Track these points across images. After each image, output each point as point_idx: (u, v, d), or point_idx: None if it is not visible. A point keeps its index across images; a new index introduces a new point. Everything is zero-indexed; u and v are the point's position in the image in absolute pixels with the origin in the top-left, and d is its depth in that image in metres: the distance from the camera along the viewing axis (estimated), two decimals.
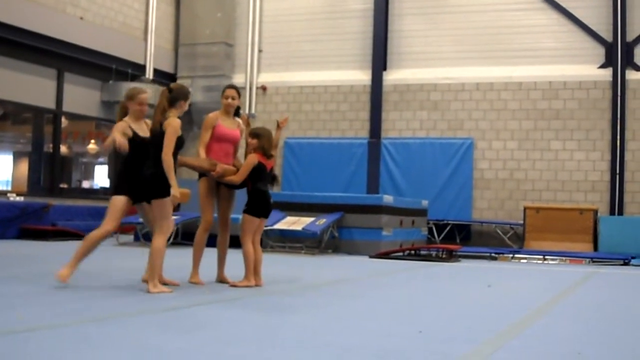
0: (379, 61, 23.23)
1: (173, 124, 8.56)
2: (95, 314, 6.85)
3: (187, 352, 5.26)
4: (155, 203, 8.59)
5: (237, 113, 9.93)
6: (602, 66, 21.52)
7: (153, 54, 23.54)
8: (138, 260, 12.79)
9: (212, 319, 6.83)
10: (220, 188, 9.67)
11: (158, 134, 8.64)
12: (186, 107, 8.93)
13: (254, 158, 9.49)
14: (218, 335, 6.04)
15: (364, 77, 23.51)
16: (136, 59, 23.02)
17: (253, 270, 9.43)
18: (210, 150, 9.63)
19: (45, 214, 18.93)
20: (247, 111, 24.25)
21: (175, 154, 8.57)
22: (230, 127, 9.84)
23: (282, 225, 16.91)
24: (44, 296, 7.90)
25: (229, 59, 24.79)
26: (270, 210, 9.85)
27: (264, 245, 17.23)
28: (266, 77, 24.58)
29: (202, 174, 9.59)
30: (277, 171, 23.73)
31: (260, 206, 9.63)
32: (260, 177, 9.57)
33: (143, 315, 6.90)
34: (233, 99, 9.91)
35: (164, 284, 8.88)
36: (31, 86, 20.12)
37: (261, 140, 9.55)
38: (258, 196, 9.59)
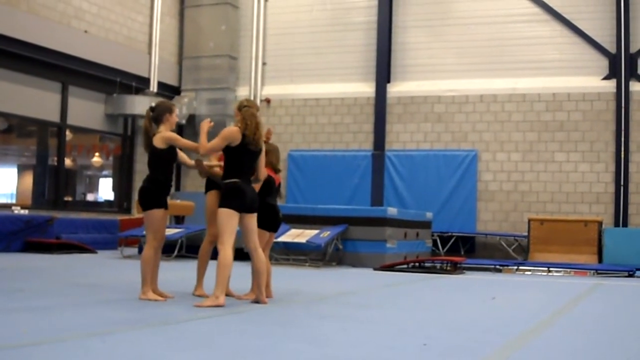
0: (383, 73, 23.26)
1: (164, 135, 8.76)
2: (98, 327, 6.84)
3: None
4: (144, 215, 8.98)
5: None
6: (606, 78, 21.52)
7: (157, 67, 23.56)
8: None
9: (215, 332, 6.83)
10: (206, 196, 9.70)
11: (149, 152, 8.92)
12: (175, 119, 9.02)
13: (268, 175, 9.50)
14: (221, 348, 6.04)
15: (367, 89, 23.53)
16: (140, 72, 23.06)
17: (263, 284, 9.18)
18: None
19: (50, 227, 18.93)
20: None
21: (170, 164, 8.75)
22: None
23: (286, 237, 16.90)
24: (48, 310, 7.90)
25: (233, 71, 24.82)
26: (280, 224, 9.89)
27: (269, 258, 17.27)
28: (270, 90, 24.61)
29: (210, 187, 9.61)
30: (282, 183, 23.95)
31: (270, 220, 9.66)
32: (269, 192, 9.60)
33: (146, 329, 6.90)
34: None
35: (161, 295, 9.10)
36: (36, 99, 20.16)
37: (269, 155, 9.54)
38: (268, 210, 9.59)
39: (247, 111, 8.92)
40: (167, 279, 10.27)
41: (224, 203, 8.72)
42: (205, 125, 8.94)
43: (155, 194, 8.92)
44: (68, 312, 7.79)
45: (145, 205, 8.97)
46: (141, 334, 6.63)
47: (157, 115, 9.07)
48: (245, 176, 8.87)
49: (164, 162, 9.01)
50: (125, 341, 6.21)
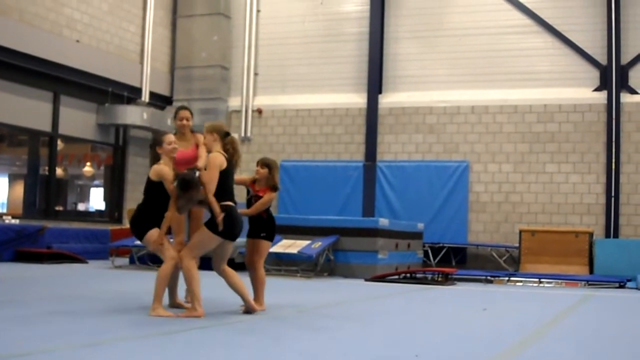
0: (375, 84, 23.29)
1: (157, 169, 8.79)
2: (90, 338, 6.83)
3: None
4: (143, 242, 8.97)
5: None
6: (597, 89, 21.59)
7: (149, 77, 23.55)
8: (133, 283, 12.79)
9: (207, 344, 6.82)
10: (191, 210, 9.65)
11: (146, 180, 8.94)
12: (167, 148, 8.89)
13: (271, 195, 9.74)
14: (209, 359, 6.03)
15: (359, 100, 23.55)
16: (132, 81, 23.05)
17: (260, 294, 9.48)
18: None
19: (41, 237, 18.88)
20: (242, 134, 24.29)
21: (164, 196, 8.69)
22: (185, 147, 9.85)
23: (277, 248, 16.87)
24: (39, 320, 7.88)
25: (225, 82, 24.83)
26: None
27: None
28: (262, 100, 24.62)
29: None
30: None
31: (274, 232, 9.97)
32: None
33: (137, 340, 6.89)
34: (187, 120, 10.08)
35: (176, 306, 9.07)
36: (27, 109, 20.13)
37: (272, 171, 9.74)
38: (273, 223, 9.90)
39: (232, 139, 9.05)
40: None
41: (212, 226, 8.65)
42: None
43: (144, 224, 8.74)
44: (59, 322, 7.76)
45: (138, 234, 8.83)
46: (130, 345, 6.61)
47: (155, 150, 9.01)
48: (232, 197, 8.89)
49: (157, 193, 8.80)
50: (115, 352, 6.20)
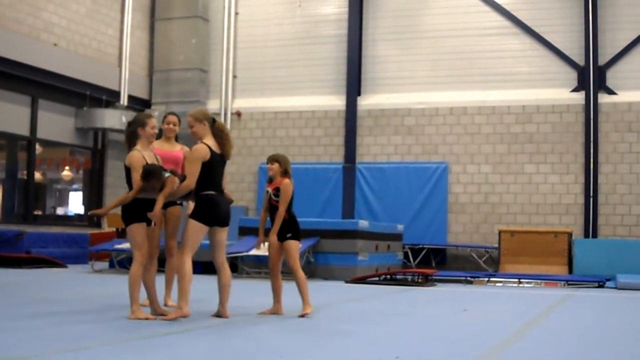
0: (353, 86, 23.31)
1: (129, 156, 8.79)
2: (70, 343, 6.81)
3: None
4: (127, 231, 8.84)
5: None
6: (575, 90, 21.69)
7: (127, 80, 23.49)
8: (113, 287, 12.75)
9: (188, 348, 6.80)
10: (166, 211, 9.63)
11: (125, 169, 8.87)
12: (150, 131, 8.90)
13: (289, 185, 9.52)
14: None
15: (338, 102, 23.56)
16: (110, 85, 22.98)
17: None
18: None
19: (20, 242, 18.81)
20: None
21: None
22: (170, 149, 9.97)
23: (257, 251, 16.85)
24: (19, 325, 7.84)
25: (204, 85, 24.80)
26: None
27: (240, 272, 17.25)
28: (241, 103, 24.59)
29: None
30: (252, 197, 23.96)
31: (299, 231, 9.76)
32: (291, 203, 9.63)
33: (118, 344, 6.87)
34: (175, 124, 10.20)
35: (159, 314, 8.90)
36: (5, 113, 20.05)
37: (282, 164, 9.59)
38: (297, 222, 9.68)
39: (222, 126, 9.02)
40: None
41: (196, 215, 8.67)
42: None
43: (133, 209, 8.71)
44: (38, 327, 7.73)
45: (125, 220, 8.77)
46: (111, 349, 6.59)
47: (131, 132, 8.96)
48: (219, 188, 8.85)
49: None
50: (96, 357, 6.18)
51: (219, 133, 8.92)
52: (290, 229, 9.57)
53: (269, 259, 9.67)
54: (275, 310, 9.54)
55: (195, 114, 8.95)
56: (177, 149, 10.08)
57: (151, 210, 8.60)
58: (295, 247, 9.60)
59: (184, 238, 8.68)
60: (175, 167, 9.64)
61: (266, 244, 9.69)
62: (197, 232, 8.67)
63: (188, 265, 8.57)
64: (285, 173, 9.58)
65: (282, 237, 9.54)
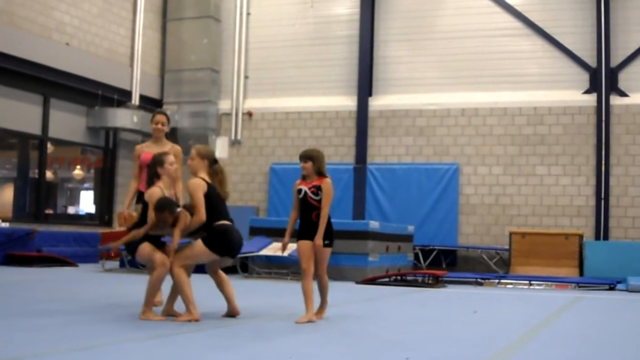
0: (365, 87, 23.29)
1: (148, 193, 8.84)
2: (80, 342, 6.82)
3: None
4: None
5: None
6: (587, 92, 21.63)
7: (139, 80, 23.52)
8: (124, 286, 12.77)
9: (196, 347, 6.80)
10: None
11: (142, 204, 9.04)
12: (169, 168, 8.92)
13: (331, 184, 9.16)
14: None
15: (349, 103, 23.55)
16: (122, 85, 23.01)
17: (324, 301, 9.17)
18: (142, 179, 9.73)
19: (31, 240, 18.85)
20: (232, 137, 24.30)
21: None
22: (159, 150, 9.82)
23: (268, 251, 16.87)
24: (29, 323, 7.85)
25: (215, 85, 24.80)
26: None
27: (250, 272, 17.25)
28: (252, 103, 24.60)
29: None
30: (262, 197, 23.98)
31: (332, 235, 9.21)
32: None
33: (125, 344, 6.88)
34: (163, 124, 10.13)
35: (169, 314, 8.89)
36: (17, 112, 20.09)
37: (316, 163, 9.15)
38: (331, 226, 9.20)
39: (221, 168, 9.00)
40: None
41: (210, 244, 8.63)
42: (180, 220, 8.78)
43: (135, 242, 8.75)
44: (48, 326, 7.74)
45: (131, 251, 8.87)
46: (119, 348, 6.60)
47: (153, 173, 8.97)
48: (227, 217, 8.81)
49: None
50: (106, 356, 6.18)
51: (218, 174, 8.90)
52: (327, 234, 9.05)
53: (300, 261, 9.14)
54: (318, 314, 9.17)
55: (201, 150, 8.95)
56: (167, 149, 9.97)
57: (156, 244, 8.67)
58: (329, 254, 9.19)
59: (185, 252, 8.68)
60: None
61: (290, 245, 9.53)
62: (202, 255, 8.71)
63: (183, 274, 8.59)
64: (319, 172, 9.14)
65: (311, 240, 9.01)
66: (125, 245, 8.90)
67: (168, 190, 8.87)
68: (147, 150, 9.93)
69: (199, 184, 8.63)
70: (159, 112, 10.39)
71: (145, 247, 8.67)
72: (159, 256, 8.63)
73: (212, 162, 8.91)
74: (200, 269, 9.08)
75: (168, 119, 10.34)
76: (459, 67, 22.71)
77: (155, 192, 8.70)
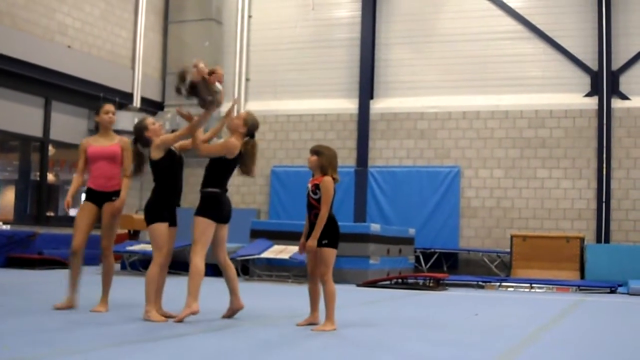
0: (366, 90, 23.30)
1: (156, 141, 9.09)
2: (80, 345, 6.82)
3: None
4: (148, 230, 8.90)
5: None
6: (588, 95, 21.64)
7: (140, 82, 23.53)
8: (124, 289, 12.77)
9: (200, 349, 6.80)
10: (102, 207, 9.71)
11: (150, 167, 9.03)
12: (155, 127, 9.25)
13: (330, 182, 8.57)
14: None
15: (350, 105, 23.56)
16: (124, 87, 23.03)
17: (330, 311, 8.59)
18: (90, 175, 9.66)
19: (32, 243, 18.85)
20: None
21: (172, 175, 9.03)
22: (104, 144, 9.83)
23: (269, 254, 16.86)
24: (29, 326, 7.86)
25: None
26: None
27: (251, 274, 17.25)
28: (253, 106, 24.54)
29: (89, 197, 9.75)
30: (264, 199, 23.98)
31: (338, 237, 8.80)
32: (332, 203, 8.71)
33: (125, 346, 6.87)
34: (113, 114, 10.18)
35: (165, 316, 8.82)
36: (18, 114, 20.10)
37: (321, 157, 8.65)
38: (336, 226, 8.77)
39: (255, 143, 9.10)
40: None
41: (202, 212, 8.68)
42: (192, 118, 9.30)
43: (157, 208, 8.79)
44: (49, 328, 7.75)
45: (148, 219, 8.82)
46: (120, 351, 6.60)
47: (138, 138, 9.07)
48: (225, 187, 8.88)
49: (165, 173, 8.93)
50: (107, 358, 6.18)
51: (251, 152, 8.99)
52: (327, 234, 8.58)
53: (307, 264, 8.90)
54: (313, 320, 8.84)
55: (249, 117, 9.21)
56: (115, 142, 9.92)
57: (173, 212, 8.74)
58: (330, 255, 8.62)
59: (195, 236, 8.64)
60: (111, 163, 9.66)
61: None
62: (207, 228, 8.66)
63: (201, 264, 8.54)
64: (322, 168, 8.62)
65: (317, 243, 8.53)
66: (145, 212, 8.90)
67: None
68: (94, 143, 9.82)
69: (231, 146, 8.84)
70: (108, 102, 10.41)
71: (160, 229, 8.73)
72: (163, 251, 8.66)
73: (250, 133, 9.03)
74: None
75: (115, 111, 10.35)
76: (460, 70, 22.72)
77: (165, 137, 9.16)
